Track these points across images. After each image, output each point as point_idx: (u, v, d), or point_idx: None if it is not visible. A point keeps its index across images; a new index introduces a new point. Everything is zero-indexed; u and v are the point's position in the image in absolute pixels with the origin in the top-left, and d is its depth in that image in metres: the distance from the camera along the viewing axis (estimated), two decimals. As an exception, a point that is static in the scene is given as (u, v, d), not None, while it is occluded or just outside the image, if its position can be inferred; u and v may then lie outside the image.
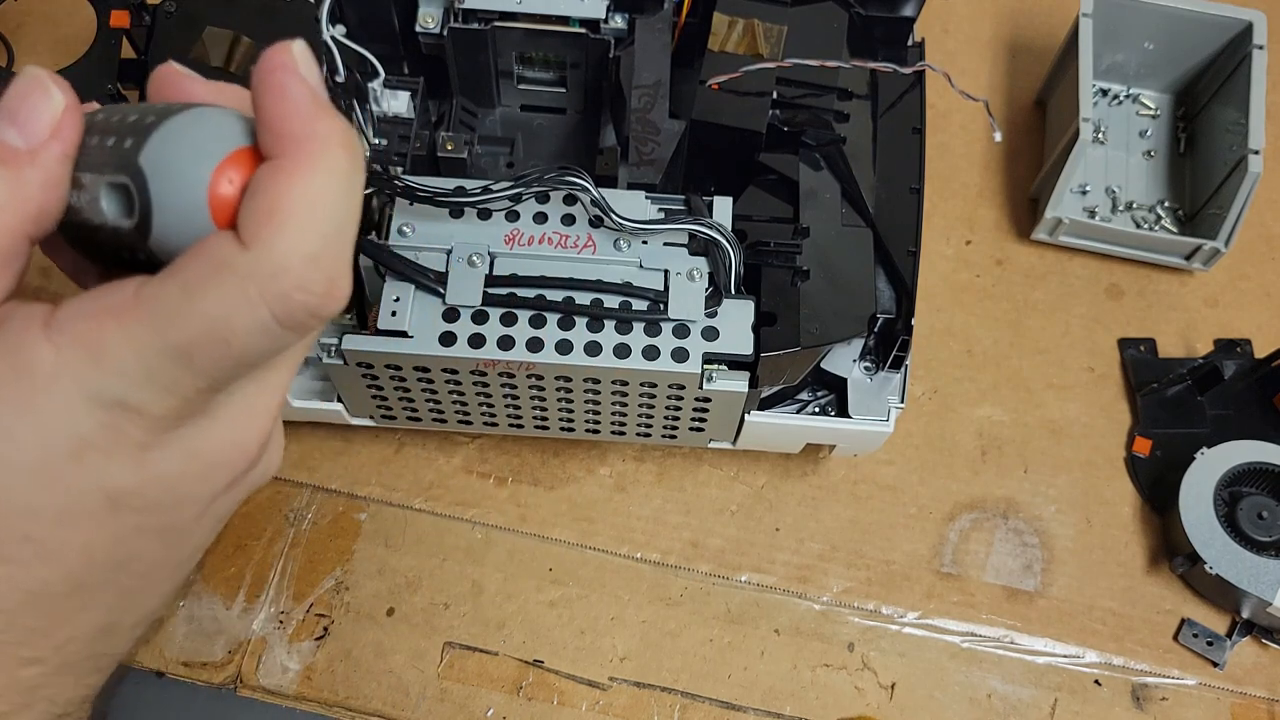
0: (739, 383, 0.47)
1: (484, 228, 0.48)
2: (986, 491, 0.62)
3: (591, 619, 0.58)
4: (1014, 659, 0.58)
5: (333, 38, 0.49)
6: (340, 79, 0.50)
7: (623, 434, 0.54)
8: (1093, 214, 0.69)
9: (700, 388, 0.47)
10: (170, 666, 0.56)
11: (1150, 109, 0.72)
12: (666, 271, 0.48)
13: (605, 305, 0.47)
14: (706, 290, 0.47)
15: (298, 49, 0.24)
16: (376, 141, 0.52)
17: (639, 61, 0.52)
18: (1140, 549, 0.61)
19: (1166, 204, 0.70)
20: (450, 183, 0.48)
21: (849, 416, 0.52)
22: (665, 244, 0.48)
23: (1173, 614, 0.60)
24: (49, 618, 0.25)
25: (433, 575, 0.59)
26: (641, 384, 0.48)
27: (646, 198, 0.48)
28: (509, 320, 0.46)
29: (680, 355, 0.46)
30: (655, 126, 0.51)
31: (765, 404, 0.52)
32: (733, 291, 0.48)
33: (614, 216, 0.47)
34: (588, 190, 0.46)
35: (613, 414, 0.52)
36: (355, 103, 0.50)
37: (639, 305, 0.47)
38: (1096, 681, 0.58)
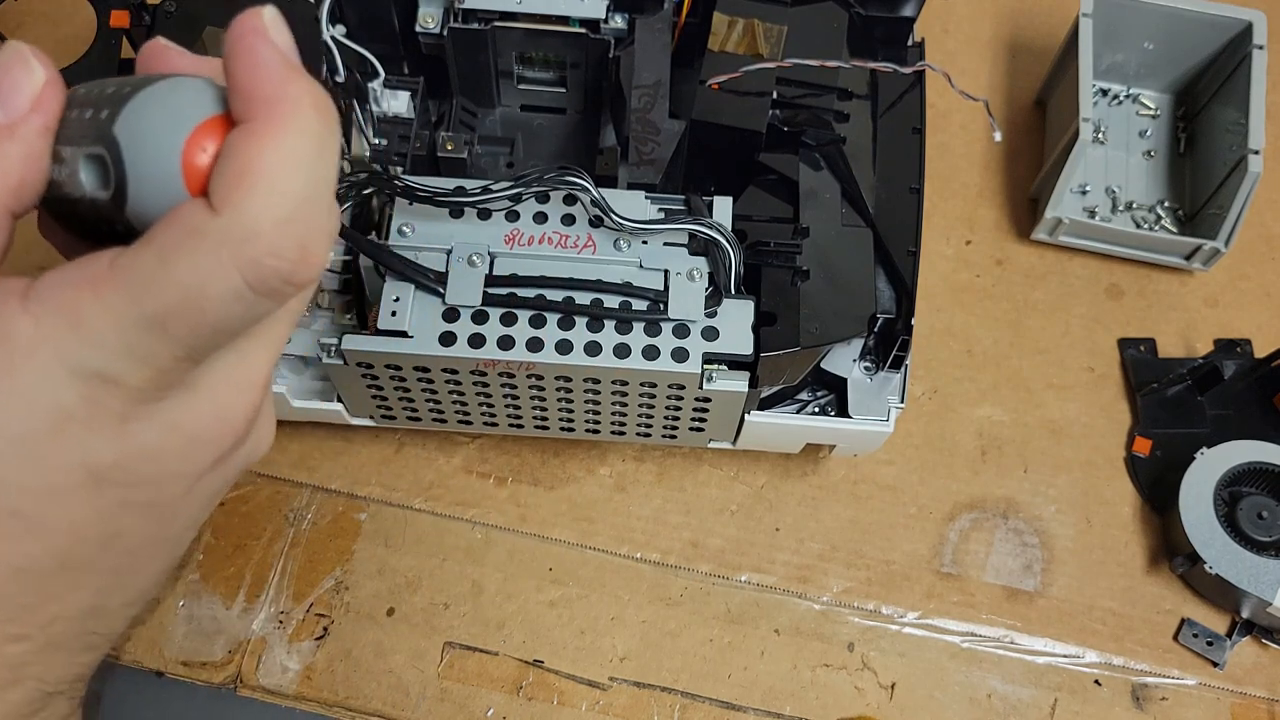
0: (739, 383, 0.47)
1: (484, 228, 0.48)
2: (986, 491, 0.62)
3: (591, 619, 0.58)
4: (1014, 659, 0.58)
5: (333, 38, 0.49)
6: (340, 79, 0.50)
7: (623, 434, 0.54)
8: (1093, 214, 0.69)
9: (700, 388, 0.47)
10: (170, 666, 0.56)
11: (1150, 109, 0.72)
12: (666, 271, 0.48)
13: (605, 305, 0.47)
14: (706, 290, 0.47)
15: (268, 13, 0.24)
16: (377, 141, 0.52)
17: (639, 61, 0.52)
18: (1140, 549, 0.61)
19: (1166, 204, 0.70)
20: (450, 183, 0.48)
21: (849, 416, 0.52)
22: (665, 244, 0.48)
23: (1173, 614, 0.60)
24: (35, 594, 0.25)
25: (433, 575, 0.59)
26: (641, 384, 0.48)
27: (646, 198, 0.48)
28: (509, 320, 0.46)
29: (680, 355, 0.46)
30: (655, 126, 0.51)
31: (765, 404, 0.52)
32: (733, 291, 0.48)
33: (614, 216, 0.47)
34: (588, 190, 0.46)
35: (613, 414, 0.52)
36: (355, 103, 0.51)
37: (639, 305, 0.47)
38: (1096, 681, 0.58)
